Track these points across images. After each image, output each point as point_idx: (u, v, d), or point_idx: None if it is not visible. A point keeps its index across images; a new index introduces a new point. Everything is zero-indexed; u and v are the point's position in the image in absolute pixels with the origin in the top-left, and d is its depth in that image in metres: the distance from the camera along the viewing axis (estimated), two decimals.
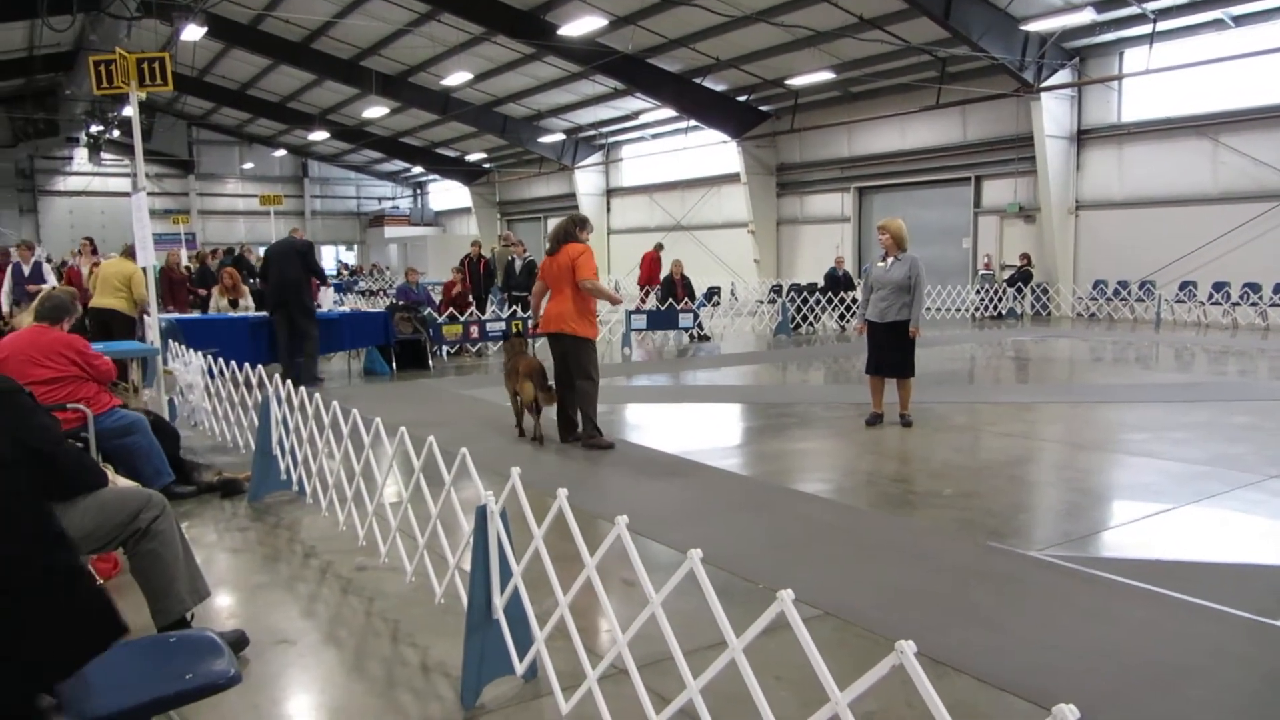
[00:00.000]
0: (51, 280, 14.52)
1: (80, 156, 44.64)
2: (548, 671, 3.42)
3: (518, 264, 17.94)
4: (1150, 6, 19.85)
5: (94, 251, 16.15)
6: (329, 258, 48.44)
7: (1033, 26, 21.06)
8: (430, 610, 4.44)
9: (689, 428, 9.98)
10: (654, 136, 35.90)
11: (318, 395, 6.03)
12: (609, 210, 39.37)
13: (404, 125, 39.83)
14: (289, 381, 6.64)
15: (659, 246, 22.87)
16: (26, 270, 14.26)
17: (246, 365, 7.93)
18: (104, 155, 44.23)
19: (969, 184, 26.29)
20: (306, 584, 5.06)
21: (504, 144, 39.46)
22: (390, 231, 48.86)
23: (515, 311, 17.01)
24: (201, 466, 6.95)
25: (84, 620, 2.23)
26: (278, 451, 6.60)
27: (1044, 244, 24.08)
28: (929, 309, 23.17)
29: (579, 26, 23.02)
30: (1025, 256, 24.16)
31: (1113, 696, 3.64)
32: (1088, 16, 20.24)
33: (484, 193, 46.61)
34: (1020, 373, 14.09)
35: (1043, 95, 22.54)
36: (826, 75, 25.39)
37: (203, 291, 16.94)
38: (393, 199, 54.05)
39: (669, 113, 31.70)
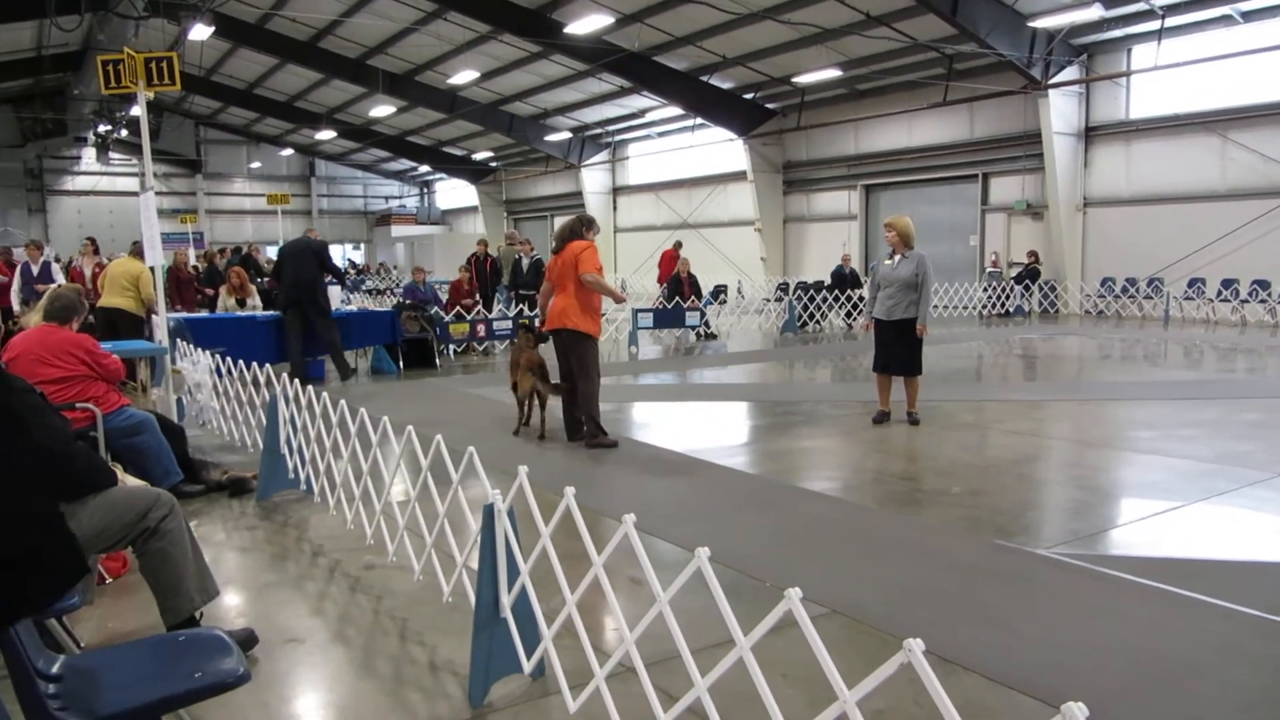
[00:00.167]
0: (60, 280, 14.56)
1: (88, 156, 44.76)
2: (555, 670, 3.42)
3: (525, 262, 17.95)
4: (1158, 2, 19.80)
5: (96, 252, 16.18)
6: (336, 257, 48.45)
7: (1040, 23, 21.01)
8: (438, 609, 4.45)
9: (696, 426, 9.98)
10: (660, 134, 35.89)
11: (325, 394, 6.04)
12: (615, 208, 39.36)
13: (411, 124, 39.86)
14: (297, 380, 6.65)
15: (678, 244, 22.84)
16: (35, 270, 14.31)
17: (254, 364, 7.95)
18: (112, 155, 44.33)
19: (976, 181, 26.24)
20: (315, 582, 5.07)
21: (510, 142, 39.46)
22: (397, 230, 48.92)
23: (522, 310, 17.02)
24: (210, 465, 6.97)
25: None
26: (285, 450, 6.62)
27: (1052, 241, 24.02)
28: (936, 307, 23.11)
29: (586, 25, 23.03)
30: (1033, 254, 24.10)
31: (1122, 694, 3.64)
32: (1096, 13, 20.19)
33: (491, 191, 46.64)
34: (1028, 370, 14.06)
35: (1050, 92, 22.48)
36: (833, 72, 25.34)
37: (210, 291, 16.96)
38: (399, 198, 54.11)
39: (675, 111, 31.68)
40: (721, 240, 33.17)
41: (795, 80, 26.60)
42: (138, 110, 9.63)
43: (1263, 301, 19.76)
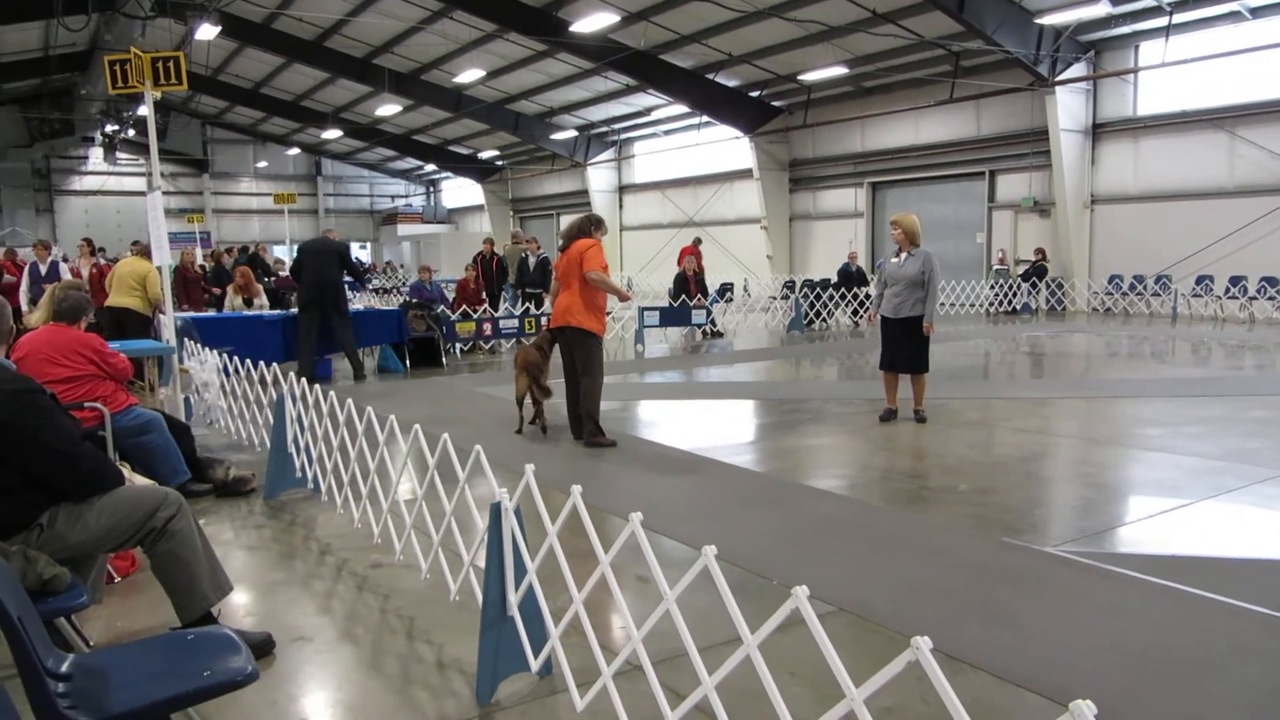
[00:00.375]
0: (84, 284, 14.58)
1: (96, 156, 44.85)
2: (563, 668, 3.42)
3: (531, 261, 17.96)
4: None
5: (93, 252, 16.22)
6: None
7: (1047, 20, 20.96)
8: (445, 607, 4.45)
9: (702, 424, 9.98)
10: (666, 133, 35.86)
11: (332, 393, 6.05)
12: (621, 207, 39.36)
13: (417, 123, 39.90)
14: (304, 379, 6.66)
15: (697, 241, 22.91)
16: (44, 270, 14.34)
17: (262, 363, 7.96)
18: (119, 155, 44.43)
19: (983, 179, 26.20)
20: (322, 581, 5.08)
21: (516, 141, 39.47)
22: (403, 229, 48.97)
23: (528, 309, 17.03)
24: (216, 463, 6.97)
25: None
26: (293, 449, 6.63)
27: (1059, 238, 23.97)
28: (943, 304, 23.10)
29: (591, 23, 23.03)
30: (1040, 251, 24.06)
31: (1130, 692, 3.63)
32: (1103, 9, 20.13)
33: (497, 190, 46.65)
34: (1035, 368, 14.04)
35: (1057, 89, 22.43)
36: (839, 70, 25.33)
37: (217, 290, 17.00)
38: (405, 197, 54.15)
39: (681, 109, 31.65)
40: (728, 238, 33.16)
41: (801, 78, 26.58)
42: (144, 110, 9.64)
43: (1271, 298, 19.70)
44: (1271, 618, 4.27)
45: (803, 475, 7.42)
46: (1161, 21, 20.56)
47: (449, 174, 49.11)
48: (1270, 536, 5.78)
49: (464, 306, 16.44)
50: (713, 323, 18.87)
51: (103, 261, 17.97)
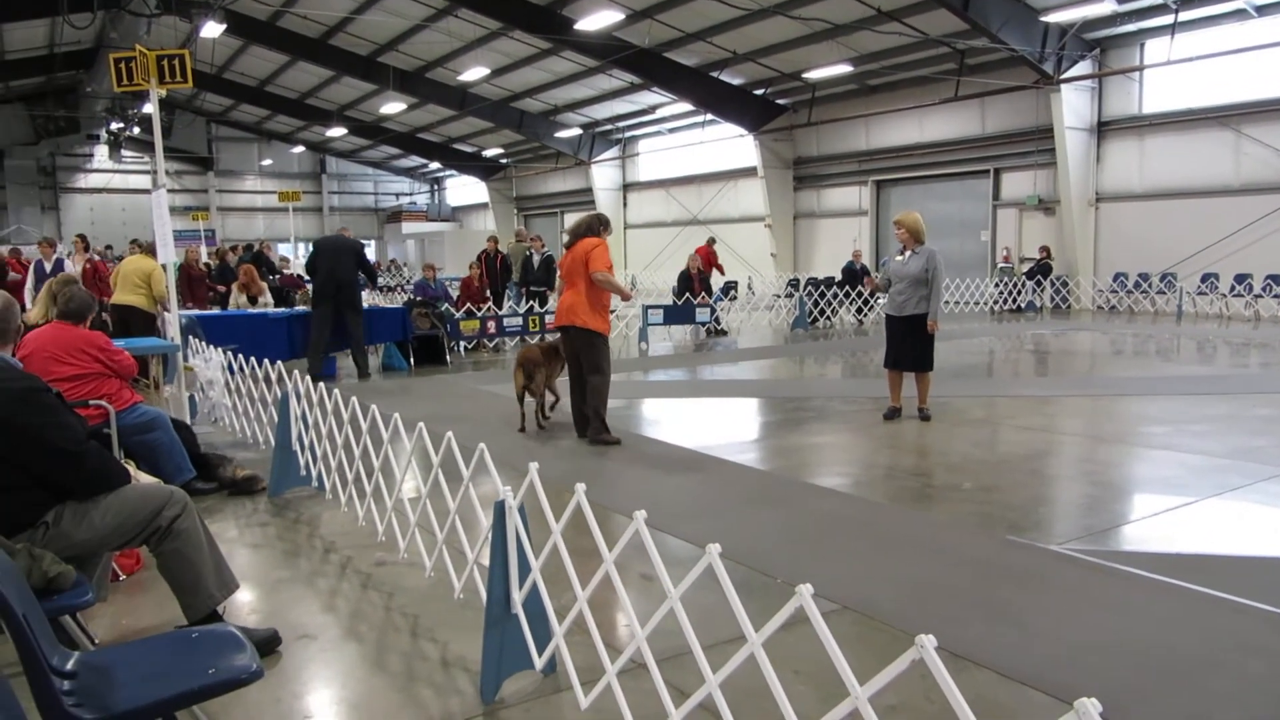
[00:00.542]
0: (76, 280, 14.60)
1: (101, 154, 44.98)
2: (567, 666, 3.42)
3: (535, 259, 17.96)
4: None
5: (86, 249, 16.24)
6: None
7: (1053, 17, 20.93)
8: (449, 605, 4.45)
9: (706, 422, 9.97)
10: (670, 131, 35.87)
11: (336, 391, 6.05)
12: (625, 205, 39.37)
13: (421, 121, 39.93)
14: (308, 377, 6.66)
15: (711, 240, 22.95)
16: (48, 267, 14.34)
17: (266, 361, 7.97)
18: (124, 152, 44.56)
19: (988, 176, 26.17)
20: (327, 579, 5.09)
21: (521, 139, 39.50)
22: (408, 227, 49.02)
23: (532, 307, 17.03)
24: (226, 461, 6.98)
25: None
26: (297, 447, 6.63)
27: (1064, 236, 23.94)
28: (948, 302, 23.08)
29: (596, 21, 23.03)
30: (1045, 249, 24.02)
31: (1135, 690, 3.63)
32: (1108, 7, 20.12)
33: (501, 188, 46.68)
34: (1040, 366, 14.02)
35: (1063, 87, 22.40)
36: (844, 68, 25.31)
37: (222, 288, 17.01)
38: (410, 195, 54.22)
39: (686, 107, 31.66)
40: (732, 236, 33.12)
41: (806, 76, 26.57)
42: (150, 108, 9.66)
43: (1276, 296, 19.68)
44: (1276, 615, 4.26)
45: (807, 473, 7.41)
46: (1167, 19, 20.53)
47: (453, 172, 49.16)
48: (1275, 534, 5.76)
49: (468, 305, 16.45)
50: (717, 321, 18.87)
51: (97, 258, 18.01)
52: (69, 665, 2.72)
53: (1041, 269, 23.80)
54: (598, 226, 8.41)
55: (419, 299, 15.62)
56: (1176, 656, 3.91)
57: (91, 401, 5.82)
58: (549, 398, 9.14)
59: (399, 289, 27.05)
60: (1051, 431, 8.82)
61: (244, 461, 7.23)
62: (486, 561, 3.66)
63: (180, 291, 12.16)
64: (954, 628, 4.13)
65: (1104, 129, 23.36)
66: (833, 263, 26.12)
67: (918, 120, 27.15)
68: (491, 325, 16.09)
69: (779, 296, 23.48)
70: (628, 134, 38.01)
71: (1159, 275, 22.08)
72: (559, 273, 8.75)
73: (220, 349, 9.30)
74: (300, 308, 14.71)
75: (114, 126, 41.56)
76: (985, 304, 24.16)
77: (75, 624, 3.67)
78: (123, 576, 4.97)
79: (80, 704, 2.53)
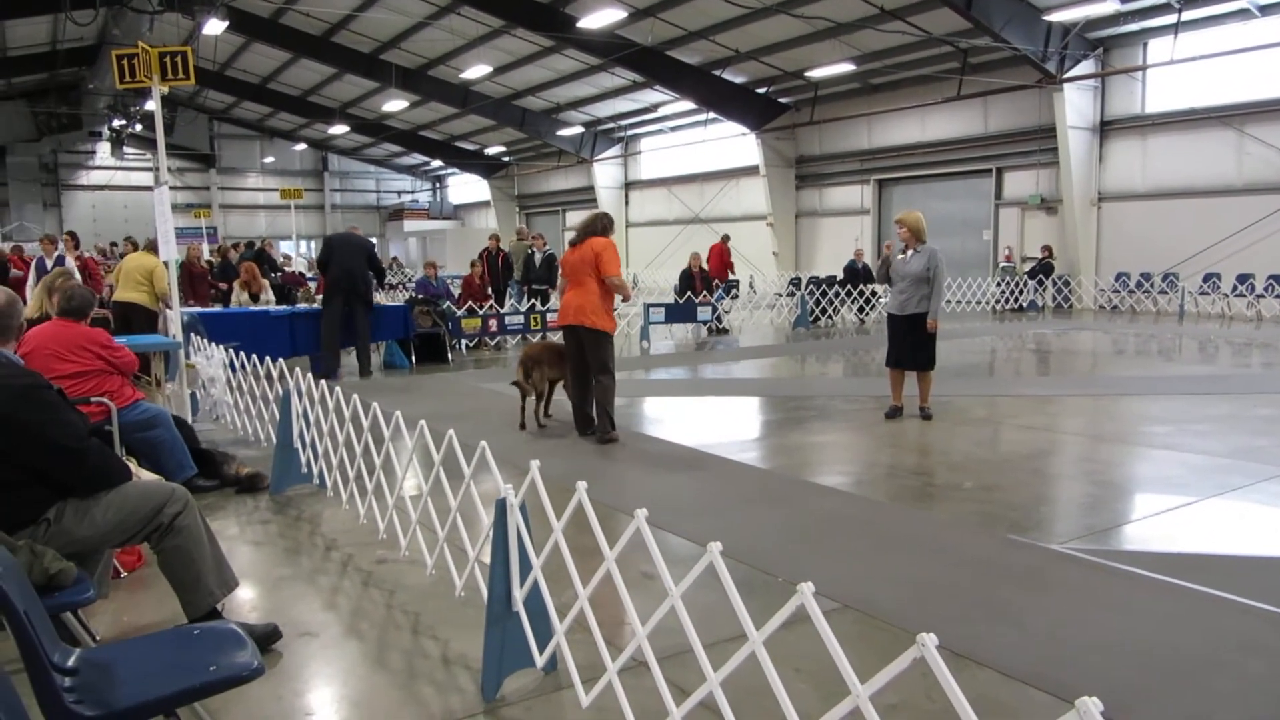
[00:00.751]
0: (76, 274, 14.63)
1: (103, 151, 44.97)
2: (568, 664, 3.42)
3: (537, 257, 17.96)
4: None
5: (76, 246, 16.28)
6: None
7: (1056, 16, 20.91)
8: (450, 603, 4.46)
9: (707, 421, 9.97)
10: (673, 129, 35.85)
11: (338, 389, 6.05)
12: (627, 203, 39.35)
13: (423, 119, 39.93)
14: (310, 375, 6.66)
15: (725, 238, 22.99)
16: (50, 264, 14.36)
17: (268, 359, 7.97)
18: (126, 149, 44.56)
19: (990, 176, 26.15)
20: (328, 577, 5.09)
21: (523, 137, 39.49)
22: (409, 225, 49.02)
23: (534, 305, 17.04)
24: (230, 459, 6.98)
25: None
26: (299, 445, 6.64)
27: (1066, 236, 23.93)
28: (949, 301, 23.08)
29: (598, 19, 23.02)
30: (1047, 248, 23.99)
31: (1137, 690, 3.62)
32: (1111, 6, 20.10)
33: (503, 186, 46.68)
34: (1041, 365, 14.01)
35: (1065, 86, 22.38)
36: (847, 67, 25.28)
37: (224, 285, 17.02)
38: (412, 193, 54.21)
39: (688, 105, 31.62)
40: (734, 235, 33.02)
41: (808, 74, 26.56)
42: (152, 105, 9.66)
43: (1278, 296, 19.65)
44: (1278, 615, 4.26)
45: (808, 472, 7.41)
46: (1170, 19, 20.50)
47: (455, 170, 49.15)
48: (1277, 534, 5.76)
49: (469, 303, 16.45)
50: (718, 319, 18.87)
51: (87, 256, 18.09)
52: (70, 662, 2.72)
53: (1043, 268, 23.78)
54: (607, 226, 8.40)
55: (421, 297, 15.62)
56: (1178, 656, 3.91)
57: (93, 399, 5.83)
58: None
59: (400, 287, 27.06)
60: (1053, 431, 8.82)
61: (245, 459, 7.23)
62: (488, 559, 3.66)
63: (182, 289, 12.16)
64: (955, 627, 4.13)
65: (1106, 128, 23.33)
66: (834, 262, 26.10)
67: (920, 119, 27.13)
68: (493, 323, 16.09)
69: (780, 295, 23.48)
70: (630, 132, 37.99)
71: (1161, 275, 22.07)
72: (561, 271, 8.69)
73: (222, 346, 9.30)
74: (302, 305, 14.72)
75: (116, 123, 41.55)
76: (987, 303, 24.15)
77: (76, 621, 3.68)
78: (124, 573, 4.97)
79: (81, 701, 2.53)
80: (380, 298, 21.80)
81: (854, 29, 22.84)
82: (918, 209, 9.94)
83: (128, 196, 44.81)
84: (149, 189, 34.92)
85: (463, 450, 4.47)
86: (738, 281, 25.21)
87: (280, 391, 6.82)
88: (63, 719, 2.48)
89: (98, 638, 3.99)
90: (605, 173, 39.12)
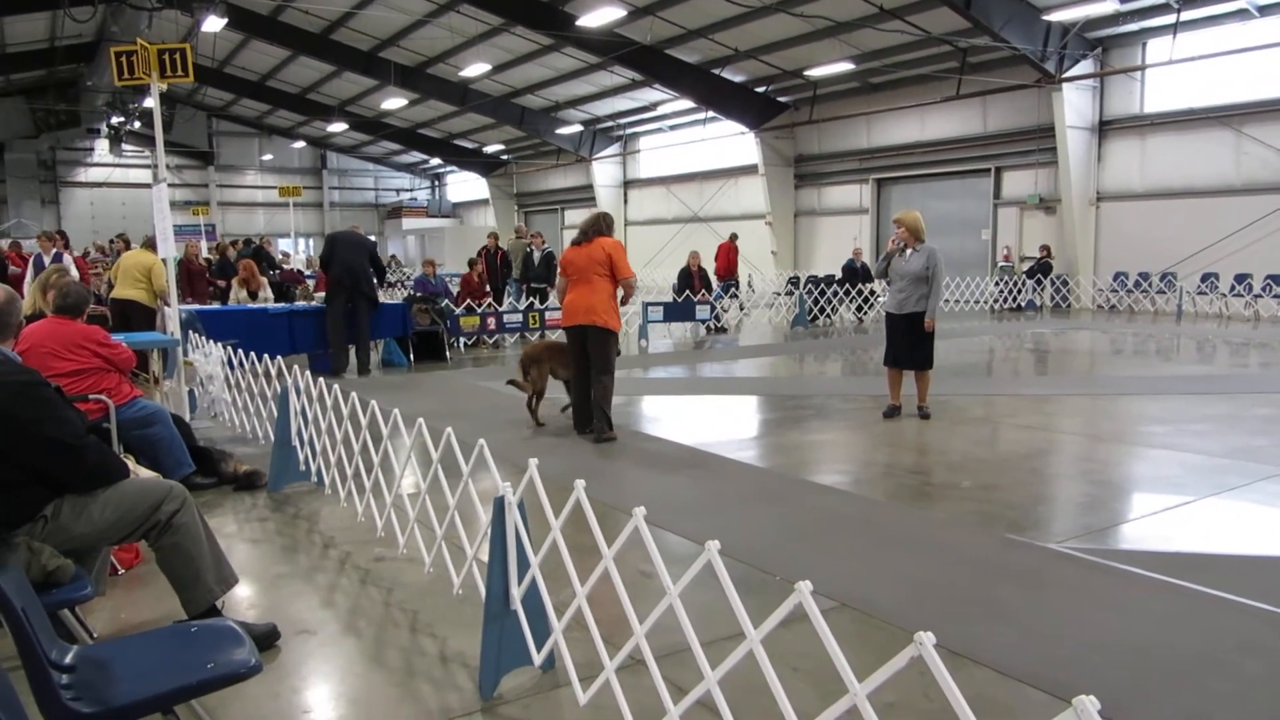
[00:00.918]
0: (73, 271, 14.62)
1: (101, 148, 44.92)
2: (565, 662, 3.42)
3: (536, 255, 17.95)
4: None
5: (66, 246, 16.32)
6: None
7: (1055, 16, 20.92)
8: (448, 601, 4.46)
9: (705, 420, 9.97)
10: (672, 128, 35.84)
11: (336, 387, 6.05)
12: (626, 202, 39.33)
13: (422, 117, 39.90)
14: (308, 372, 6.66)
15: (734, 236, 23.04)
16: (48, 261, 14.36)
17: (266, 356, 7.97)
18: (125, 146, 44.52)
19: (989, 175, 26.16)
20: (326, 574, 5.09)
21: (522, 135, 39.48)
22: (408, 223, 48.99)
23: (532, 303, 17.03)
24: (228, 457, 6.98)
25: None
26: (297, 443, 6.63)
27: (1064, 235, 23.94)
28: (948, 301, 23.08)
29: (598, 17, 23.01)
30: (1045, 248, 24.01)
31: (1134, 689, 3.63)
32: (1110, 6, 20.10)
33: (501, 184, 46.66)
34: (1039, 365, 14.02)
35: (1064, 86, 22.39)
36: (846, 66, 25.29)
37: (222, 283, 17.02)
38: (410, 190, 54.16)
39: (687, 104, 31.62)
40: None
41: (807, 73, 26.56)
42: (150, 102, 9.65)
43: (1276, 296, 19.68)
44: (1276, 615, 4.26)
45: (806, 471, 7.42)
46: (1169, 19, 20.51)
47: (454, 168, 49.11)
48: (1274, 534, 5.77)
49: (468, 301, 16.45)
50: (717, 318, 18.87)
51: (76, 255, 18.13)
52: (68, 659, 2.72)
53: (1042, 268, 23.80)
54: (611, 225, 8.40)
55: (419, 295, 15.61)
56: (1175, 655, 3.91)
57: (91, 396, 5.82)
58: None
59: (399, 285, 27.06)
60: (1051, 430, 8.82)
61: (243, 457, 7.23)
62: (485, 557, 3.66)
63: (180, 286, 12.16)
64: (953, 626, 4.13)
65: (1105, 128, 23.35)
66: (833, 261, 26.10)
67: (919, 118, 27.13)
68: (491, 322, 16.09)
69: (779, 294, 23.49)
70: (629, 131, 37.98)
71: (1159, 275, 22.08)
72: (563, 269, 8.52)
73: (220, 344, 9.29)
74: (300, 303, 14.71)
75: (114, 120, 41.52)
76: (985, 303, 24.16)
77: (74, 618, 3.68)
78: (121, 571, 4.97)
79: (79, 698, 2.53)
80: (379, 295, 21.86)
81: (853, 28, 22.85)
82: (916, 208, 9.95)
83: (126, 194, 44.76)
84: (147, 186, 34.91)
85: (461, 448, 4.47)
86: (737, 280, 25.24)
87: (278, 389, 6.82)
88: (61, 716, 2.48)
89: (95, 635, 3.99)
90: (604, 171, 39.10)
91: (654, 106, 33.95)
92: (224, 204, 47.98)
